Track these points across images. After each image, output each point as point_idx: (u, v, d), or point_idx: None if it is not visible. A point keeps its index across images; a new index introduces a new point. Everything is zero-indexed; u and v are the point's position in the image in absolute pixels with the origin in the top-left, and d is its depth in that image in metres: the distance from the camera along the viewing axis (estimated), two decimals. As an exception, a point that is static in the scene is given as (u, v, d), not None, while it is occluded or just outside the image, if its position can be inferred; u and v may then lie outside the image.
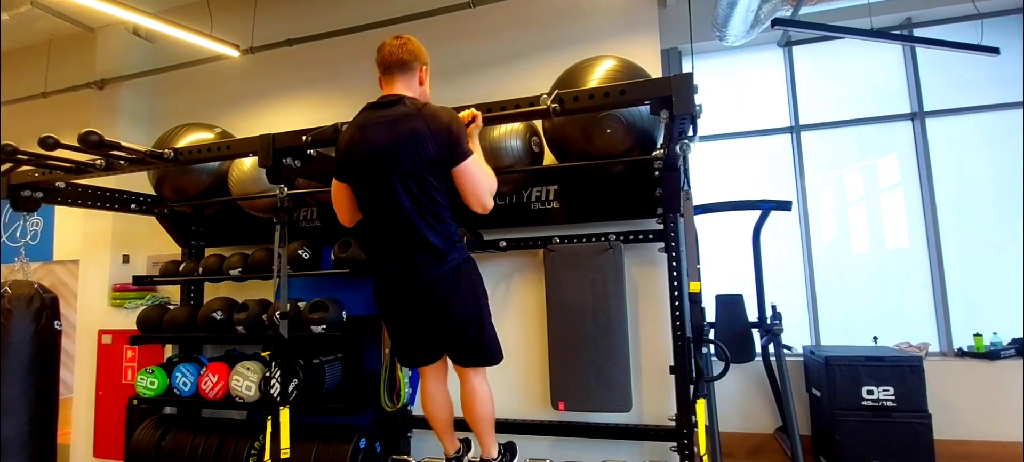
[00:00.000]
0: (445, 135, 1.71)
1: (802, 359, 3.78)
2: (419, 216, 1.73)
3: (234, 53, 3.48)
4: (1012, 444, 3.44)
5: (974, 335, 3.69)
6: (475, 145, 1.91)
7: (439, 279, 1.76)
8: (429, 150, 1.70)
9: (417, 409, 3.12)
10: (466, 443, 2.21)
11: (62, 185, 2.82)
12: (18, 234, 4.36)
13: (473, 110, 1.93)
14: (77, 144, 2.13)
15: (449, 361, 2.01)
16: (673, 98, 1.74)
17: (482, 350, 1.88)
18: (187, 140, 3.02)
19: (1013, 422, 3.46)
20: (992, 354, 3.58)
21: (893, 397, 3.10)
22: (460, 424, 2.14)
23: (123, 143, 2.32)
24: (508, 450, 2.16)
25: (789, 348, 3.49)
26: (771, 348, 3.42)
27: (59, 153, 2.28)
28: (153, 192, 3.37)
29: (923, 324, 3.90)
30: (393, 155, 1.71)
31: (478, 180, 1.77)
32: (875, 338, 3.78)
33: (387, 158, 1.72)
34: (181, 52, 3.85)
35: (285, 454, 2.16)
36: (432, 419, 2.04)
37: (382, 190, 1.75)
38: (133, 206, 3.32)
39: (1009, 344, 3.63)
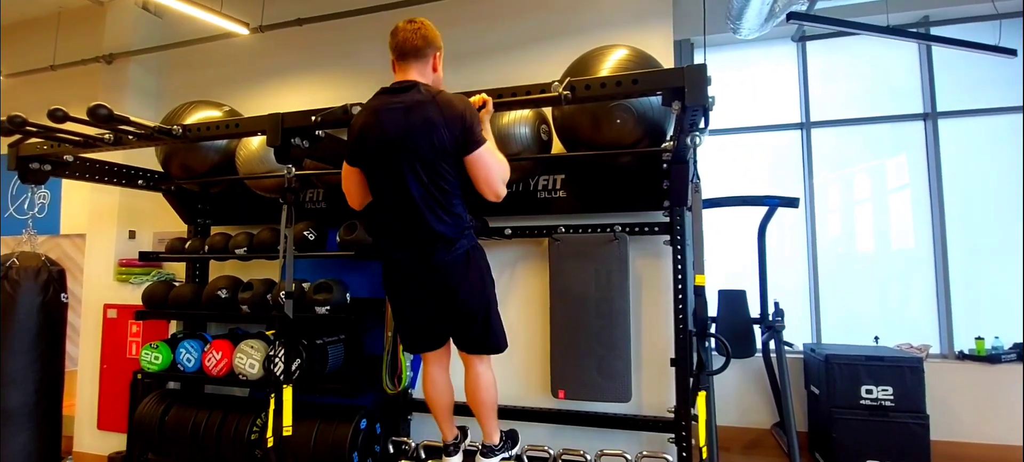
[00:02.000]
0: (458, 123, 1.71)
1: (802, 356, 3.79)
2: (430, 204, 1.73)
3: (244, 31, 3.46)
4: (1010, 448, 3.45)
5: (976, 338, 3.69)
6: (487, 131, 1.91)
7: (448, 265, 1.77)
8: (442, 138, 1.70)
9: (418, 392, 3.15)
10: (463, 431, 2.21)
11: (70, 158, 2.82)
12: (26, 206, 4.37)
13: (484, 95, 1.92)
14: (86, 117, 2.13)
15: (452, 348, 2.02)
16: (686, 89, 1.72)
17: (488, 337, 1.90)
18: (195, 117, 3.02)
19: (1012, 426, 3.48)
20: (993, 358, 3.59)
21: (892, 397, 3.11)
22: (459, 409, 2.17)
23: (131, 118, 2.32)
24: (510, 437, 2.18)
25: (790, 345, 3.50)
26: (772, 344, 3.43)
27: (68, 126, 2.28)
28: (160, 169, 3.37)
29: (925, 325, 3.90)
30: (406, 143, 1.71)
31: (491, 168, 1.78)
32: (876, 338, 3.79)
33: (399, 146, 1.72)
34: (190, 28, 3.83)
35: (287, 432, 2.19)
36: (433, 404, 2.06)
37: (393, 177, 1.75)
38: (140, 182, 3.32)
39: (1010, 348, 3.64)
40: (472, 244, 1.84)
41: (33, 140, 2.66)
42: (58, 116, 2.11)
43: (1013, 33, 3.63)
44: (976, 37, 3.51)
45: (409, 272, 1.82)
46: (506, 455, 2.12)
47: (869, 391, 3.14)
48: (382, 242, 1.89)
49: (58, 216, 4.36)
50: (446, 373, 2.06)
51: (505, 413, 2.95)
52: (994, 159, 3.90)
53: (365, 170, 1.86)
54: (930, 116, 3.98)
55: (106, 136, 2.53)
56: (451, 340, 2.00)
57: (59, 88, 4.26)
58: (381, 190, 1.82)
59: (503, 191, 1.83)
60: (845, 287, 4.09)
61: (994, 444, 3.49)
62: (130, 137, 2.50)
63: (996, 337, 3.66)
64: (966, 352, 3.72)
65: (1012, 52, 3.39)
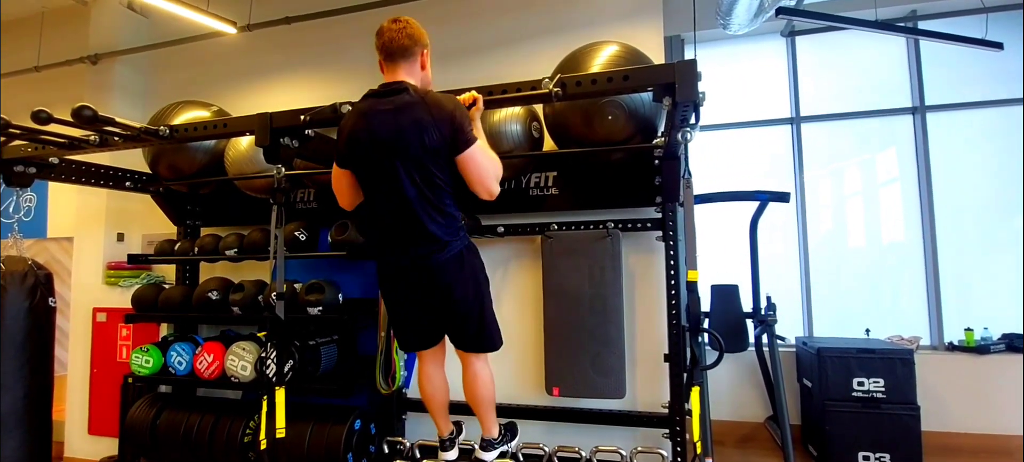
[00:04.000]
0: (448, 123, 1.70)
1: (794, 350, 3.81)
2: (422, 205, 1.73)
3: (231, 30, 3.42)
4: (1000, 437, 3.50)
5: (965, 329, 3.73)
6: (478, 129, 1.90)
7: (442, 266, 1.78)
8: (433, 139, 1.69)
9: (412, 392, 3.14)
10: (458, 426, 2.23)
11: (56, 161, 2.78)
12: (11, 210, 4.31)
13: (474, 93, 1.91)
14: (70, 119, 2.10)
15: (448, 346, 2.03)
16: (676, 85, 1.72)
17: (483, 335, 1.91)
18: (183, 118, 2.98)
19: (1001, 415, 3.52)
20: (982, 348, 3.62)
21: (883, 389, 3.14)
22: (455, 408, 2.16)
23: (117, 119, 2.28)
24: (508, 430, 2.21)
25: (782, 339, 3.52)
26: (764, 338, 3.45)
27: (52, 128, 2.24)
28: (148, 170, 3.33)
29: (915, 318, 3.94)
30: (396, 145, 1.71)
31: (483, 167, 1.77)
32: (867, 331, 3.82)
33: (390, 148, 1.71)
34: (177, 28, 3.79)
35: (281, 434, 2.17)
36: (429, 401, 2.07)
37: (385, 179, 1.75)
38: (128, 184, 3.28)
39: (999, 339, 3.67)
40: (465, 244, 1.85)
41: (17, 142, 2.62)
42: (42, 118, 2.08)
43: (1000, 26, 3.67)
44: (963, 31, 3.54)
45: (403, 273, 1.83)
46: (505, 448, 2.15)
47: (861, 383, 3.17)
48: (375, 243, 1.90)
49: (45, 219, 4.30)
50: (442, 370, 2.06)
51: (500, 411, 2.91)
52: (982, 152, 3.94)
53: (356, 172, 1.85)
54: (919, 110, 4.01)
55: (91, 138, 2.49)
56: (446, 338, 2.00)
57: (44, 89, 4.21)
58: (373, 192, 1.82)
59: (496, 189, 1.82)
60: (836, 281, 4.12)
61: (984, 434, 3.53)
62: (116, 138, 2.47)
63: (985, 328, 3.70)
64: (956, 343, 3.76)
65: (999, 45, 3.42)
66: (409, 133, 1.69)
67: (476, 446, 2.09)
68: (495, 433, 2.07)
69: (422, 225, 1.74)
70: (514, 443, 2.22)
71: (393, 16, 1.82)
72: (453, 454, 2.16)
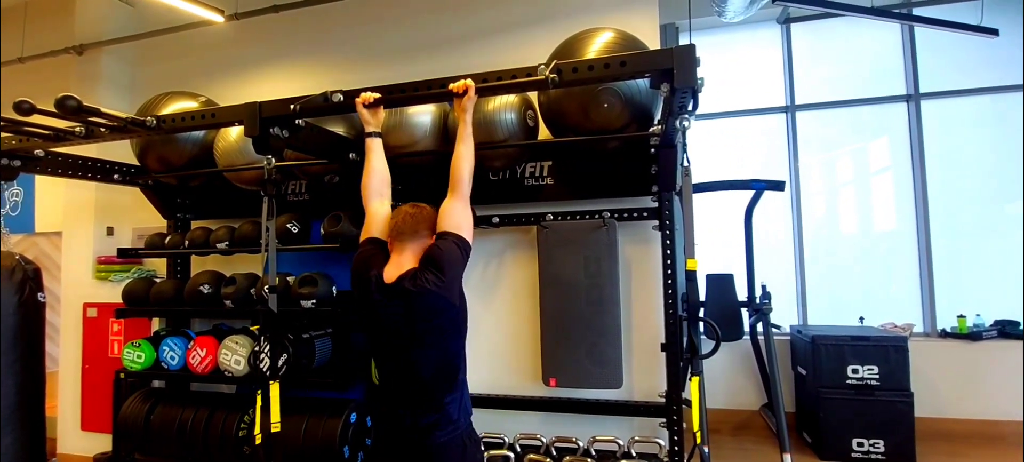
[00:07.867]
0: (449, 276, 1.67)
1: (789, 338, 3.83)
2: (440, 384, 1.70)
3: (219, 18, 3.35)
4: (991, 422, 3.54)
5: (958, 316, 3.75)
6: (467, 119, 1.87)
7: (443, 447, 1.69)
8: (445, 305, 1.67)
9: (408, 384, 3.12)
10: None
11: (41, 153, 2.72)
12: (-3, 204, 4.24)
13: (467, 81, 1.87)
14: (54, 110, 2.05)
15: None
16: (675, 71, 1.69)
17: None
18: (171, 108, 2.93)
19: (993, 401, 3.56)
20: (974, 335, 3.65)
21: (877, 376, 3.16)
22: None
23: (103, 110, 2.23)
24: None
25: (777, 327, 3.53)
26: (759, 327, 3.46)
27: (37, 120, 2.19)
28: (137, 162, 3.28)
29: (909, 305, 3.96)
30: (414, 335, 1.68)
31: (464, 214, 1.79)
32: (861, 318, 3.84)
33: (409, 337, 1.68)
34: (164, 17, 3.71)
35: (275, 428, 2.15)
36: None
37: (403, 357, 1.71)
38: (116, 176, 3.22)
39: (991, 325, 3.70)
40: (469, 432, 1.78)
41: (1, 135, 2.56)
42: (24, 108, 2.02)
43: (995, 12, 3.66)
44: (959, 17, 3.53)
45: (399, 437, 1.74)
46: None
47: (855, 371, 3.19)
48: (376, 387, 1.83)
49: (32, 214, 4.23)
50: None
51: (497, 403, 2.95)
52: (976, 139, 3.95)
53: (369, 334, 1.79)
54: (913, 97, 4.00)
55: (77, 129, 2.44)
56: None
57: (28, 81, 4.11)
58: (387, 360, 1.76)
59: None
60: (830, 269, 4.14)
61: (976, 419, 3.57)
62: (102, 130, 2.42)
63: (978, 315, 3.72)
64: (949, 330, 3.78)
65: (994, 32, 3.41)
66: (425, 322, 1.66)
67: None
68: None
69: (437, 400, 1.69)
70: None
71: (412, 203, 1.80)
72: None
